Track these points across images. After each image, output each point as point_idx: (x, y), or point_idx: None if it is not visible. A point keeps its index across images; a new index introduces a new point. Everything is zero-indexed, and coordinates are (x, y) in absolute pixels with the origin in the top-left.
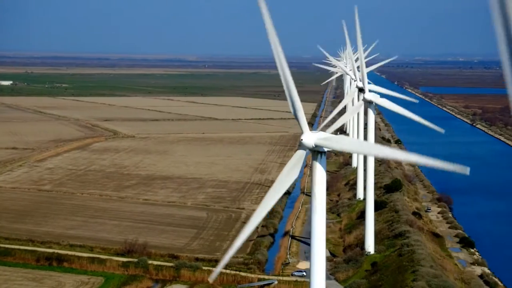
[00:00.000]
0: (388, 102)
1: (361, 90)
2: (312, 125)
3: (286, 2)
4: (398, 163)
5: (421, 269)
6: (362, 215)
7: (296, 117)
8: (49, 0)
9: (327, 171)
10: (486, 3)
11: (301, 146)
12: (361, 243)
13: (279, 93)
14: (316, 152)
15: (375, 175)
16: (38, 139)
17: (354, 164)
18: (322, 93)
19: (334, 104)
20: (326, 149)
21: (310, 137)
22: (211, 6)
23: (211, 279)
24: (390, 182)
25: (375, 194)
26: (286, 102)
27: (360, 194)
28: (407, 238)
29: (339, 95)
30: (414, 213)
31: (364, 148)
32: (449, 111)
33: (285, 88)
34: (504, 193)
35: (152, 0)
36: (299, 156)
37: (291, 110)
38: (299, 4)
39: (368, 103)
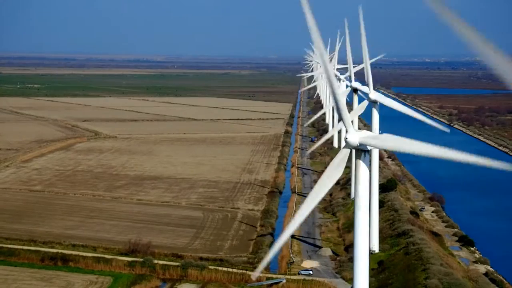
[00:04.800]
0: (395, 102)
1: (355, 90)
2: (291, 125)
3: (252, 3)
4: (385, 163)
5: (432, 267)
6: None
7: (340, 116)
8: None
9: (315, 171)
10: (450, 4)
11: (346, 144)
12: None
13: (253, 94)
14: (359, 151)
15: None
16: (20, 139)
17: None
18: (296, 94)
19: (310, 105)
20: (369, 148)
21: (354, 136)
22: (175, 6)
23: (254, 276)
24: (386, 182)
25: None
26: (261, 102)
27: (353, 194)
28: (412, 237)
29: (312, 95)
30: (411, 212)
31: (410, 147)
32: (424, 111)
33: (329, 90)
34: (492, 190)
35: (115, 0)
36: (344, 154)
37: (336, 111)
38: (266, 5)
39: (372, 103)
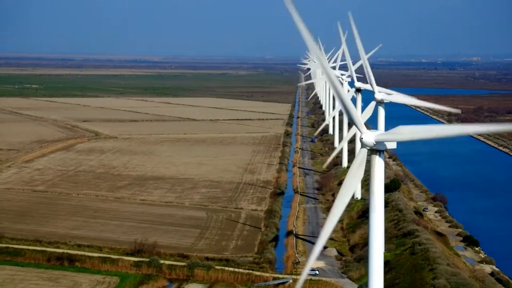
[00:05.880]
0: (401, 96)
1: (358, 90)
2: (291, 125)
3: (249, 3)
4: (387, 164)
5: (439, 267)
6: (363, 215)
7: (352, 120)
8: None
9: (316, 171)
10: (446, 4)
11: (362, 145)
12: (367, 242)
13: (252, 94)
14: (374, 151)
15: (368, 175)
16: (20, 140)
17: (344, 164)
18: (294, 94)
19: (309, 105)
20: (387, 145)
21: (369, 136)
22: (171, 6)
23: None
24: (389, 182)
25: None
26: (259, 102)
27: (357, 194)
28: (417, 237)
29: (311, 96)
30: (414, 213)
31: (429, 132)
32: (423, 111)
33: (336, 94)
34: (495, 190)
35: (111, 0)
36: (363, 155)
37: (345, 114)
38: (263, 5)
39: (378, 103)
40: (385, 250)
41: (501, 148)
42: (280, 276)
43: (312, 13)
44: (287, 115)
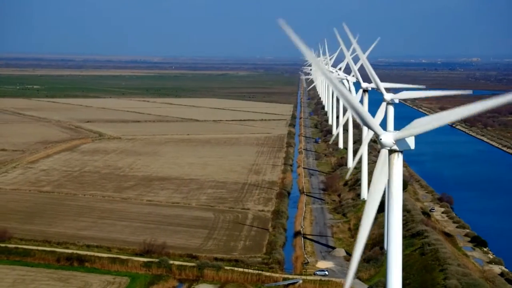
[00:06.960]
0: (410, 92)
1: (364, 91)
2: (294, 125)
3: (248, 4)
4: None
5: (450, 267)
6: None
7: (367, 124)
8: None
9: (322, 172)
10: (446, 5)
11: (381, 146)
12: (376, 242)
13: (253, 94)
14: (392, 152)
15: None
16: (25, 140)
17: (349, 165)
18: (295, 95)
19: (311, 106)
20: (403, 148)
21: (388, 136)
22: (170, 7)
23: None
24: None
25: None
26: (261, 103)
27: (364, 195)
28: (427, 238)
29: (313, 96)
30: (422, 213)
31: (448, 117)
32: (425, 112)
33: (345, 101)
34: (499, 190)
35: (112, 0)
36: (384, 155)
37: (358, 120)
38: (262, 5)
39: (387, 104)
40: None
41: (504, 148)
42: (290, 276)
43: (312, 14)
44: (290, 116)
